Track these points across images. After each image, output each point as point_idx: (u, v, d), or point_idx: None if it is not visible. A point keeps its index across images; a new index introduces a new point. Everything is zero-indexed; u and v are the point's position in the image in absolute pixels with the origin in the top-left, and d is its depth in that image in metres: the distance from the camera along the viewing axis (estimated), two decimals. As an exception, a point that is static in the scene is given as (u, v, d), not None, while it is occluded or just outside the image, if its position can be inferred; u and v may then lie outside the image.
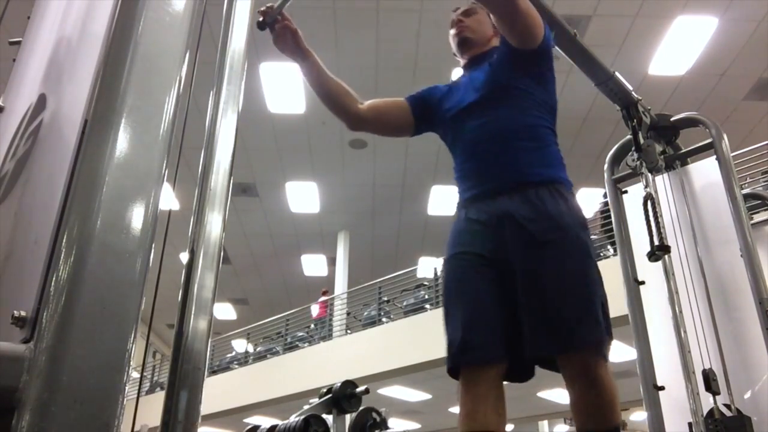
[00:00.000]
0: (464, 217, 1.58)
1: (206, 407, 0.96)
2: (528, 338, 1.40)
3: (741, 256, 2.35)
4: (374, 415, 2.11)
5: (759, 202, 3.56)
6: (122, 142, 0.70)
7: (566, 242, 1.46)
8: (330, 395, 2.12)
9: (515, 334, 1.42)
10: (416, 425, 12.36)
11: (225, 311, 15.15)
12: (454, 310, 1.51)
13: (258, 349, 11.97)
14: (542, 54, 1.61)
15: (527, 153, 1.54)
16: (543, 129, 1.58)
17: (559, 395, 9.52)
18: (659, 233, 2.37)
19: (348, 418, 2.16)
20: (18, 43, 1.39)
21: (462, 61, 1.77)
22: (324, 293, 11.60)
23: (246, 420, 11.31)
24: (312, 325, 11.48)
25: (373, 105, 1.74)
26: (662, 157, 2.65)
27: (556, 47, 2.19)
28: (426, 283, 9.89)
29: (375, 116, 1.74)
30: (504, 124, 1.56)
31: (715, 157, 2.58)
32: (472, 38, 1.72)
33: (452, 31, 1.75)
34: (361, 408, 2.12)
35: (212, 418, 10.77)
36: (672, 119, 2.77)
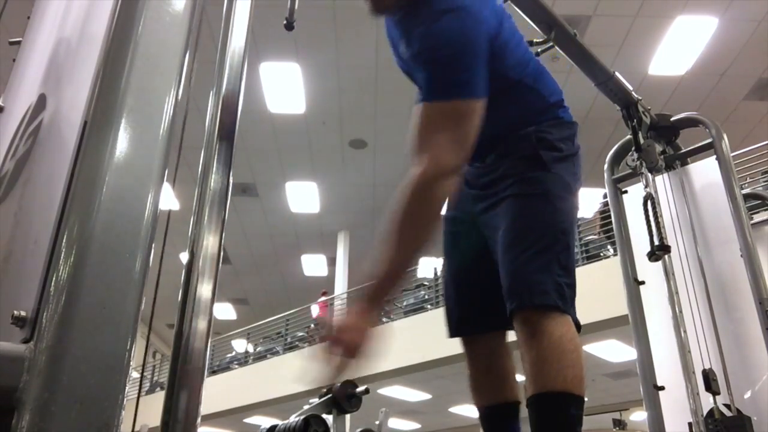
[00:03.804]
0: None
1: (206, 407, 0.96)
2: None
3: (741, 256, 2.35)
4: None
5: (759, 202, 3.56)
6: (122, 142, 0.70)
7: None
8: (330, 395, 2.12)
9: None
10: (416, 425, 12.36)
11: (225, 311, 15.14)
12: (444, 279, 1.55)
13: (258, 349, 11.97)
14: None
15: None
16: None
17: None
18: (659, 233, 2.37)
19: (348, 418, 2.16)
20: (18, 43, 1.39)
21: None
22: (323, 294, 11.59)
23: (246, 420, 11.31)
24: (312, 325, 11.48)
25: None
26: (662, 157, 2.64)
27: (556, 47, 2.18)
28: (426, 283, 9.88)
29: None
30: None
31: (715, 157, 2.57)
32: None
33: None
34: (359, 430, 2.14)
35: (212, 418, 10.77)
36: (672, 119, 2.77)
